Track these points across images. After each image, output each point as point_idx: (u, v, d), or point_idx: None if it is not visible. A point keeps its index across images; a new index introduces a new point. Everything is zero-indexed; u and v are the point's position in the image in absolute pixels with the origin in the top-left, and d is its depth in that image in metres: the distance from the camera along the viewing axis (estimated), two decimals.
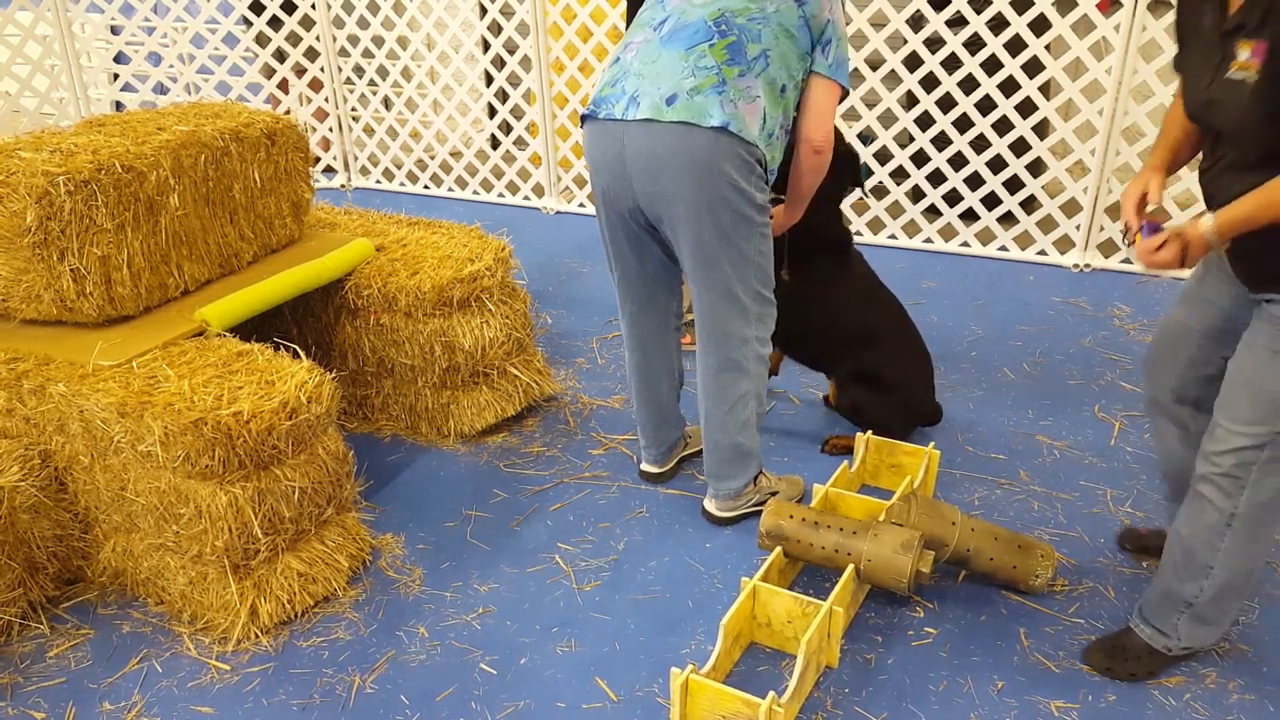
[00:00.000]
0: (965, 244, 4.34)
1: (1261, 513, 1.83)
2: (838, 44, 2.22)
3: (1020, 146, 4.20)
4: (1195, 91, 1.67)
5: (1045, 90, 4.16)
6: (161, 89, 5.71)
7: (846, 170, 2.71)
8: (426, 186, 5.45)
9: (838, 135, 2.52)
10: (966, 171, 4.19)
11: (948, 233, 4.46)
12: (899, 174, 4.52)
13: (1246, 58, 1.54)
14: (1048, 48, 3.94)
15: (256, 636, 2.19)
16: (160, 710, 2.03)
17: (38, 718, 2.01)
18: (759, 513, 2.53)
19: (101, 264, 2.33)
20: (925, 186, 4.30)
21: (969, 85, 4.11)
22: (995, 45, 3.95)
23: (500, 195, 5.29)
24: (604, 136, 2.23)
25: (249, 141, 2.68)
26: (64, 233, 2.25)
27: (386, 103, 5.51)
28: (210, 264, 2.65)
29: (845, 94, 2.28)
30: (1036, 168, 4.38)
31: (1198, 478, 1.89)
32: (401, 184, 5.50)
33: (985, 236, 4.40)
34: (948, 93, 4.10)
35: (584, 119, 2.29)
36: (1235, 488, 1.82)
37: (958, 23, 4.05)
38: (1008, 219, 4.49)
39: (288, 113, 5.41)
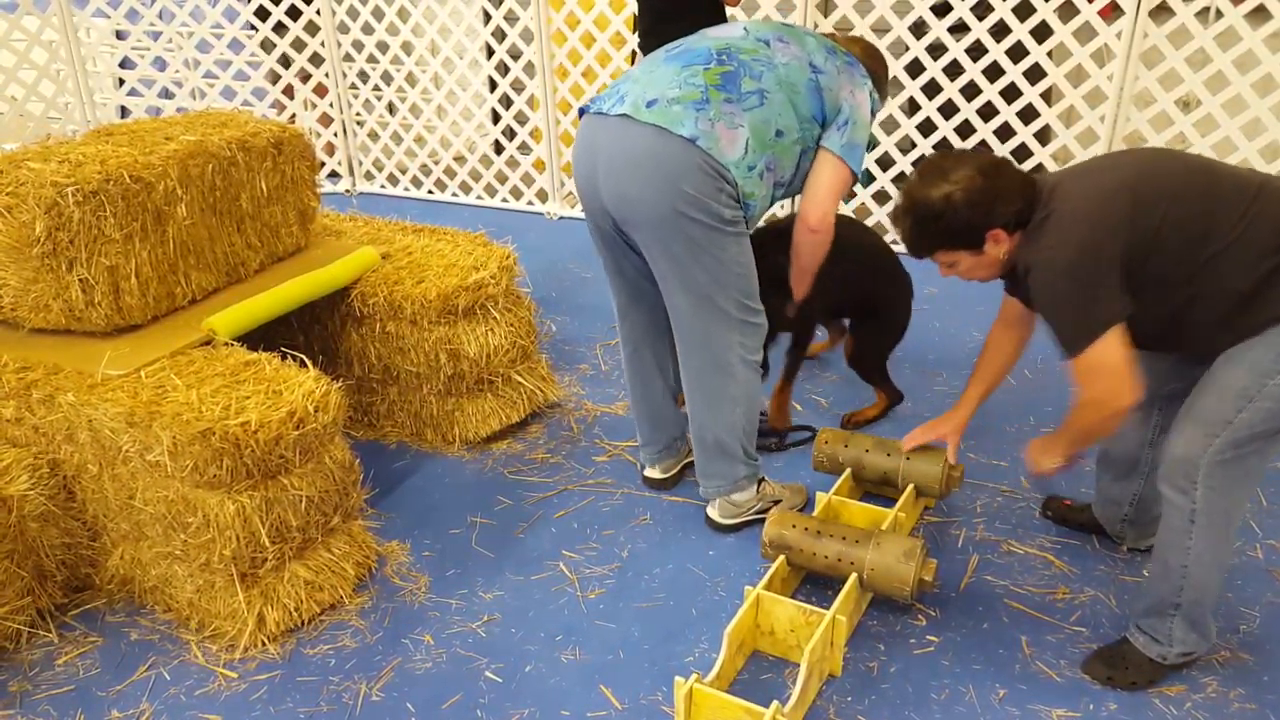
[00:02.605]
0: None
1: (1220, 505, 1.88)
2: (854, 128, 2.25)
3: (1022, 153, 4.21)
4: None
5: (1047, 97, 4.17)
6: (167, 94, 5.73)
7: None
8: (430, 191, 5.47)
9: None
10: None
11: None
12: (901, 180, 4.53)
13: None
14: (1049, 54, 3.95)
15: (264, 644, 2.21)
16: (168, 718, 2.04)
17: None
18: (762, 520, 2.54)
19: (109, 274, 2.35)
20: None
21: (971, 91, 4.12)
22: (997, 52, 3.97)
23: (504, 200, 5.31)
24: (586, 130, 2.29)
25: (256, 151, 2.70)
26: (72, 243, 2.27)
27: (391, 108, 5.52)
28: (217, 273, 2.67)
29: (855, 179, 2.30)
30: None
31: (1159, 480, 1.95)
32: (406, 189, 5.52)
33: None
34: (950, 99, 4.11)
35: (579, 116, 2.35)
36: (1189, 484, 1.87)
37: (960, 29, 4.06)
38: None
39: (293, 118, 5.43)
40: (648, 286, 2.48)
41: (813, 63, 2.21)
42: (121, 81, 5.65)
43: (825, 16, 4.30)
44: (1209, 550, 1.92)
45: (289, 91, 5.54)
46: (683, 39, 2.32)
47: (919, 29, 4.25)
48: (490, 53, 5.14)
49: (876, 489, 2.64)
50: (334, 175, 5.64)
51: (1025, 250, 1.90)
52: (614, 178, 2.21)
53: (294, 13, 5.22)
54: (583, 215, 5.00)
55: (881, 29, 4.29)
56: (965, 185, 1.88)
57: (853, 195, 4.54)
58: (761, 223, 2.62)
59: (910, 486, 2.46)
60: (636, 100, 2.18)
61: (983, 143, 4.19)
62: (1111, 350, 1.81)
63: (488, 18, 5.17)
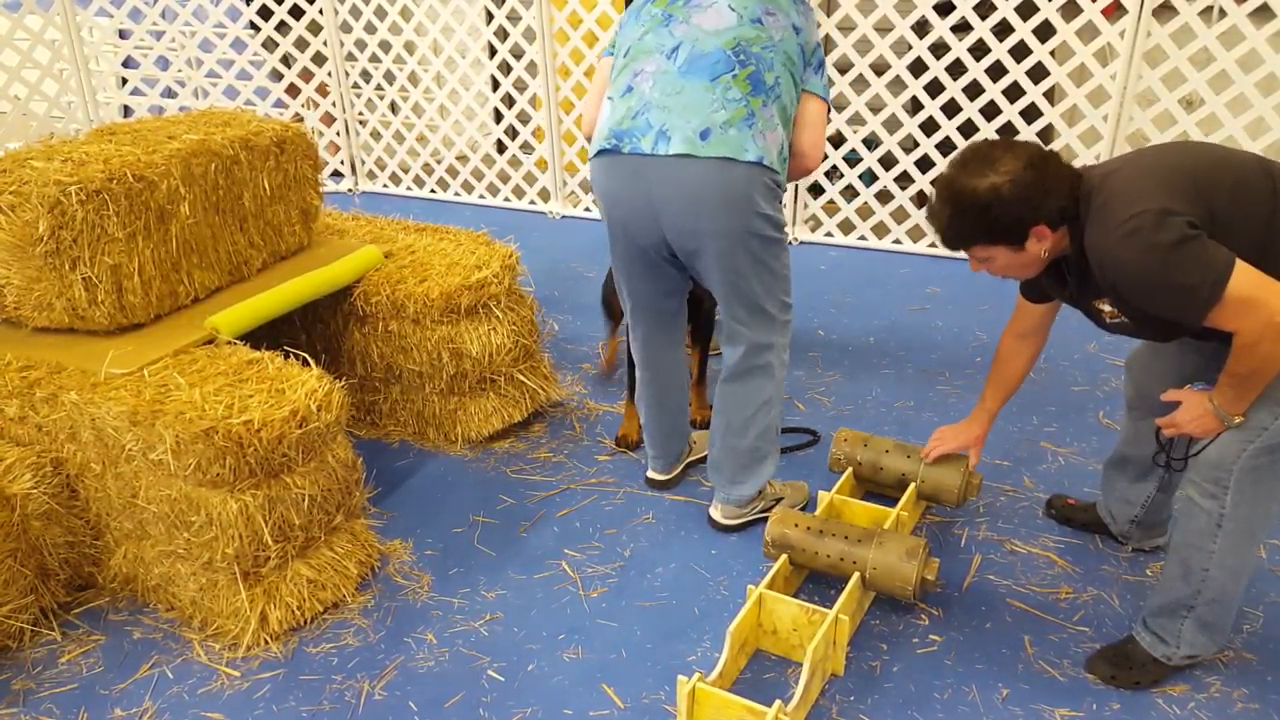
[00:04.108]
0: None
1: (1248, 511, 1.86)
2: (823, 66, 2.30)
3: None
4: (1099, 324, 2.01)
5: (1050, 96, 4.16)
6: (169, 93, 5.73)
7: None
8: (433, 191, 5.47)
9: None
10: None
11: None
12: (904, 179, 4.52)
13: (1110, 309, 1.92)
14: (1052, 54, 3.95)
15: (266, 643, 2.21)
16: (171, 716, 2.04)
17: None
18: (765, 519, 2.54)
19: (113, 272, 2.35)
20: (930, 192, 4.30)
21: (974, 90, 4.11)
22: (1000, 51, 3.96)
23: (506, 200, 5.31)
24: (625, 171, 2.19)
25: (259, 150, 2.70)
26: (76, 242, 2.27)
27: (394, 107, 5.53)
28: (220, 272, 2.67)
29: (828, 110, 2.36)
30: None
31: (1184, 482, 1.93)
32: (408, 188, 5.52)
33: None
34: (952, 98, 4.10)
35: (599, 154, 2.23)
36: (1219, 489, 1.86)
37: (962, 28, 4.06)
38: None
39: (296, 118, 5.44)
40: (675, 305, 2.50)
41: (795, 25, 2.21)
42: (124, 80, 5.65)
43: (829, 15, 4.29)
44: (1232, 555, 1.90)
45: (292, 91, 5.55)
46: (670, 32, 2.19)
47: (921, 28, 4.24)
48: (493, 52, 5.13)
49: (889, 491, 2.63)
50: (337, 174, 5.64)
51: (1093, 237, 1.75)
52: (685, 215, 2.17)
53: (297, 12, 5.22)
54: (585, 215, 5.05)
55: (884, 28, 4.28)
56: (1013, 177, 1.76)
57: (855, 194, 4.53)
58: None
59: (912, 486, 2.46)
60: (687, 135, 2.11)
61: None
62: (1248, 274, 1.62)
63: (490, 17, 5.17)
